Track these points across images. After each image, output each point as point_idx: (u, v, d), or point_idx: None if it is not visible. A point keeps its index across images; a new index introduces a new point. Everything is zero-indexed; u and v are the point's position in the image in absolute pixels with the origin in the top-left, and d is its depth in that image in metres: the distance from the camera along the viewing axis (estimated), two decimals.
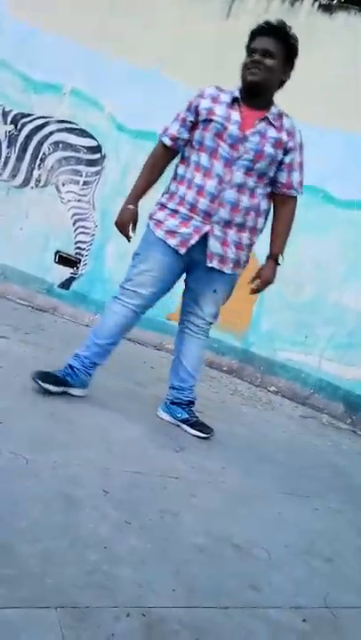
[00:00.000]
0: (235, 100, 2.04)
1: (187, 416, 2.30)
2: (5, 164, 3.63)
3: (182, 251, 2.09)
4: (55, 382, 2.12)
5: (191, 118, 2.07)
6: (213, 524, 1.66)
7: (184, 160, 2.13)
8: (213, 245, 2.08)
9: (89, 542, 1.36)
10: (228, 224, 2.08)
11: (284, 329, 3.45)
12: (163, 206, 2.14)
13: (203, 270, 2.15)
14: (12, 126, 3.60)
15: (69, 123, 3.56)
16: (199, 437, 2.25)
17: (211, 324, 2.32)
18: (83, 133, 3.56)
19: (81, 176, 3.56)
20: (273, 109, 2.07)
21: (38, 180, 3.62)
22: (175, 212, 2.10)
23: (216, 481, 1.95)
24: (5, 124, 3.61)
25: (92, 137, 3.55)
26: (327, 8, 3.32)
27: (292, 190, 2.13)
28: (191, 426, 2.29)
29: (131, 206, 2.15)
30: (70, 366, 2.16)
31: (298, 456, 2.54)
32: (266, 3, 3.36)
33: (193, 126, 2.08)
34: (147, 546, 1.43)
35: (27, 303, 3.53)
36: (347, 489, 2.33)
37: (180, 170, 2.13)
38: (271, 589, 1.45)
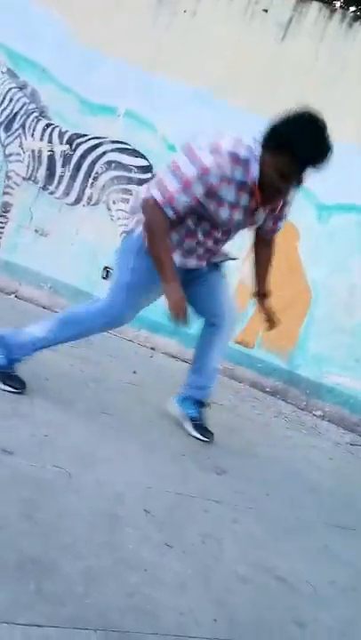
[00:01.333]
0: None
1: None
2: (59, 182, 3.75)
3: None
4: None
5: None
6: (256, 554, 1.60)
7: None
8: None
9: (131, 563, 1.34)
10: None
11: (333, 352, 3.36)
12: None
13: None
14: (68, 146, 3.73)
15: (122, 143, 3.65)
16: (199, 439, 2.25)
17: None
18: (135, 153, 3.63)
19: (131, 195, 3.62)
20: None
21: (90, 199, 3.71)
22: None
23: (259, 508, 1.90)
24: (61, 143, 3.74)
25: (143, 157, 3.62)
26: None
27: None
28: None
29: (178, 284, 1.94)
30: None
31: (345, 486, 2.44)
32: (323, 24, 3.35)
33: None
34: (188, 571, 1.40)
35: None
36: None
37: None
38: (316, 626, 1.38)
